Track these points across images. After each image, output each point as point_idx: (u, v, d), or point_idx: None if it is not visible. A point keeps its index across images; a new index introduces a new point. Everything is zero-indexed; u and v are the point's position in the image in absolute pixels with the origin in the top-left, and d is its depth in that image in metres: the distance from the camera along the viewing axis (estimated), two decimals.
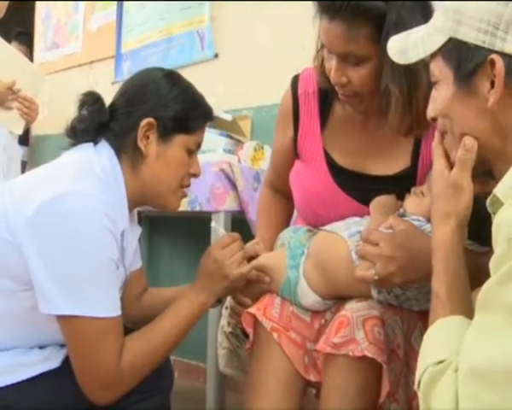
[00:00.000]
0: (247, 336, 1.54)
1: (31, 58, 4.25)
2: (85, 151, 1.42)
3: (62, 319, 1.28)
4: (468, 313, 1.02)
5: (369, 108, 1.51)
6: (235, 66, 3.30)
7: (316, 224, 1.61)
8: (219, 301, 1.65)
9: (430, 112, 1.12)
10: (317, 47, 1.54)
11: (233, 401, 2.47)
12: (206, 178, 2.39)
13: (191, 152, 1.49)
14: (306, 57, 1.59)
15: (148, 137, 1.43)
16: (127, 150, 1.44)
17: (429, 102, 1.13)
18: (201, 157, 2.56)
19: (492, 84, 0.99)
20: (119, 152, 1.43)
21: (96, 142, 1.44)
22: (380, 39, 1.36)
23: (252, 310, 1.48)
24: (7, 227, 1.29)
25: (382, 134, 1.54)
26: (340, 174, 1.59)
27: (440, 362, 0.94)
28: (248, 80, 3.22)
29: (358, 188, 1.56)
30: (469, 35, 1.00)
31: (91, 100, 1.46)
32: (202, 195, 2.40)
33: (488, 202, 0.98)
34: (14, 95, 2.87)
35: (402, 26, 1.33)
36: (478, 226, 1.21)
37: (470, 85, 1.02)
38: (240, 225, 2.37)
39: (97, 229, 1.28)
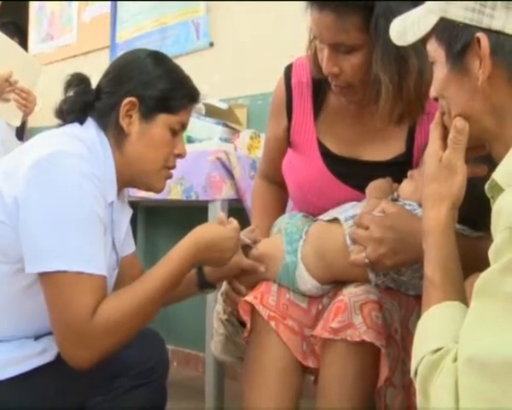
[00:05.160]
0: (242, 323, 1.54)
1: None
2: (72, 127, 1.45)
3: (44, 276, 1.26)
4: (462, 298, 1.01)
5: (362, 99, 1.51)
6: (230, 54, 3.29)
7: (311, 212, 1.62)
8: (214, 287, 1.65)
9: (432, 92, 1.11)
10: (310, 37, 1.54)
11: (232, 389, 2.47)
12: (202, 167, 2.39)
13: (175, 132, 1.49)
14: (302, 45, 1.58)
15: (130, 116, 1.44)
16: (111, 129, 1.45)
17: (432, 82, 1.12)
18: (198, 146, 2.59)
19: (481, 62, 0.97)
20: (103, 130, 1.45)
21: (82, 122, 1.46)
22: (369, 28, 1.36)
23: (249, 298, 1.48)
24: (3, 209, 1.29)
25: (376, 122, 1.54)
26: (333, 162, 1.59)
27: (437, 350, 0.93)
28: (244, 69, 3.21)
29: (353, 175, 1.56)
30: (458, 14, 0.99)
31: (77, 80, 1.49)
32: (198, 184, 2.40)
33: (487, 186, 0.96)
34: (12, 86, 2.86)
35: (390, 15, 1.33)
36: (470, 211, 1.21)
37: (461, 65, 1.01)
38: (237, 213, 2.36)
39: (87, 187, 1.29)
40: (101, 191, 1.33)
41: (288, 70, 1.69)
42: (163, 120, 1.46)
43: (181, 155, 1.53)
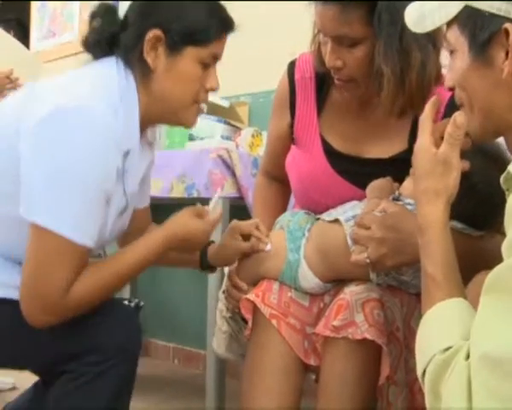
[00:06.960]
0: (245, 320, 1.53)
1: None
2: (106, 66, 1.37)
3: (33, 227, 1.23)
4: (464, 295, 0.99)
5: (364, 93, 1.51)
6: (231, 51, 3.28)
7: (313, 210, 1.61)
8: (213, 271, 1.65)
9: (448, 81, 1.08)
10: (314, 31, 1.53)
11: (233, 387, 2.47)
12: (203, 165, 2.38)
13: (207, 65, 1.40)
14: (303, 42, 1.58)
15: (156, 49, 1.35)
16: (136, 64, 1.37)
17: (447, 72, 1.09)
18: (199, 144, 2.59)
19: (507, 54, 0.94)
20: (129, 67, 1.37)
21: (112, 55, 1.38)
22: (373, 21, 1.36)
23: (250, 297, 1.48)
24: (16, 131, 1.25)
25: (379, 118, 1.54)
26: (336, 159, 1.58)
27: (447, 349, 0.90)
28: (245, 66, 3.20)
29: (355, 172, 1.55)
30: (485, 2, 0.95)
31: (102, 11, 1.40)
32: (200, 181, 2.40)
33: (502, 178, 0.95)
34: (12, 83, 2.86)
35: (394, 8, 1.33)
36: (473, 210, 1.20)
37: (485, 55, 0.98)
38: (238, 211, 2.36)
39: (99, 155, 1.24)
40: (117, 158, 1.28)
41: (292, 66, 1.68)
42: (191, 54, 1.37)
43: (213, 89, 1.44)
